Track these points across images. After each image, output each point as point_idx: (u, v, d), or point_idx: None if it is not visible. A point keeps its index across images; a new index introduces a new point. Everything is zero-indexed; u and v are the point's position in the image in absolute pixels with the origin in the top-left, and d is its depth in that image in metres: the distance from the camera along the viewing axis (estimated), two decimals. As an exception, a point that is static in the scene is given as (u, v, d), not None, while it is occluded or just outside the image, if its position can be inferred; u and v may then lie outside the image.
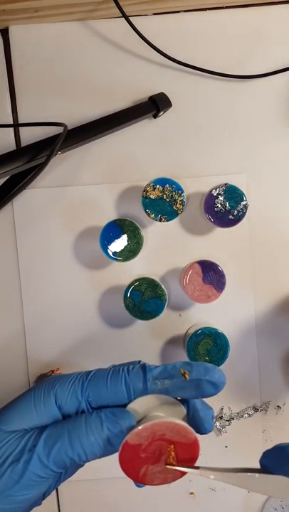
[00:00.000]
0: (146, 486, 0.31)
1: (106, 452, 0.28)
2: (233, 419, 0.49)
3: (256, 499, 0.50)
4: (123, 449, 0.27)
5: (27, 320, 0.48)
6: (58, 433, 0.28)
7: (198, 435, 0.28)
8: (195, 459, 0.28)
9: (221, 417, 0.49)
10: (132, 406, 0.29)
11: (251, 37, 0.48)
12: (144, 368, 0.30)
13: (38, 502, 0.30)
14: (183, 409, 0.30)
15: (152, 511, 0.50)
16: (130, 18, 0.45)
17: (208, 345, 0.44)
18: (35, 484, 0.28)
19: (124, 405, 0.29)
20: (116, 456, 0.33)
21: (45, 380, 0.31)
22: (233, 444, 0.49)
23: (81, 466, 0.32)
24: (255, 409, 0.49)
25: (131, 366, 0.30)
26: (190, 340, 0.44)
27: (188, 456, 0.28)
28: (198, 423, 0.29)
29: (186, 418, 0.30)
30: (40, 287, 0.48)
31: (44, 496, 0.31)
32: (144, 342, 0.48)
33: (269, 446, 0.50)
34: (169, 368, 0.29)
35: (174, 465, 0.27)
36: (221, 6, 0.48)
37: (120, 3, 0.43)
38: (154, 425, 0.27)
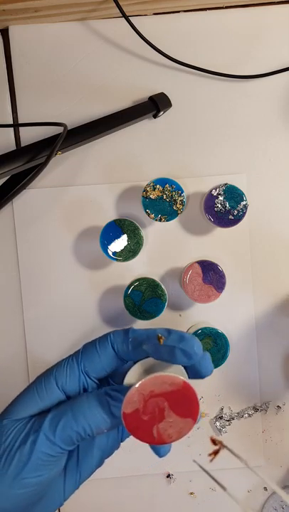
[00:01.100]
0: (166, 454, 0.32)
1: (111, 424, 0.29)
2: (233, 419, 0.49)
3: (256, 499, 0.50)
4: (125, 420, 0.28)
5: (27, 320, 0.48)
6: (61, 411, 0.29)
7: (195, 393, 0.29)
8: (196, 402, 0.28)
9: (221, 417, 0.49)
10: (127, 378, 0.30)
11: (251, 37, 0.48)
12: (127, 329, 0.31)
13: (59, 501, 0.31)
14: (179, 367, 0.30)
15: (152, 511, 0.50)
16: (130, 18, 0.45)
17: (208, 345, 0.44)
18: (46, 464, 0.28)
19: (120, 373, 0.31)
20: (115, 456, 0.33)
21: (43, 372, 0.32)
22: (233, 444, 0.49)
23: (100, 465, 0.32)
24: (255, 409, 0.49)
25: (117, 329, 0.31)
26: (190, 340, 0.44)
27: (188, 402, 0.28)
28: (197, 367, 0.30)
29: (185, 374, 0.31)
30: (40, 287, 0.48)
31: (65, 495, 0.31)
32: (144, 342, 0.48)
33: (269, 446, 0.50)
34: (149, 331, 0.30)
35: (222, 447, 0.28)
36: (221, 6, 0.48)
37: (120, 3, 0.43)
38: (138, 387, 0.28)
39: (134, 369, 0.30)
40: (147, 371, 0.30)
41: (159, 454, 0.32)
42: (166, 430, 0.28)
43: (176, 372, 0.29)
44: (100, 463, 0.32)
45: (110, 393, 0.29)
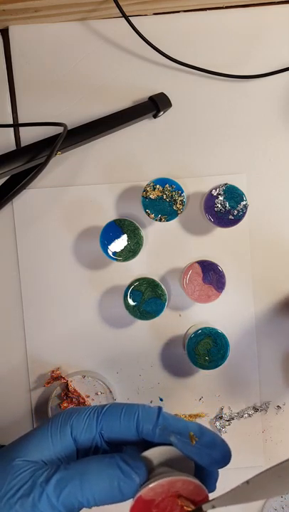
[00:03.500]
0: None
1: (115, 500, 0.28)
2: (233, 419, 0.49)
3: (256, 499, 0.50)
4: (137, 503, 0.27)
5: (27, 319, 0.48)
6: (70, 475, 0.28)
7: None
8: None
9: (221, 417, 0.49)
10: (145, 454, 0.29)
11: (251, 37, 0.48)
12: (159, 411, 0.30)
13: None
14: (192, 465, 0.30)
15: (152, 511, 0.50)
16: (130, 18, 0.45)
17: (208, 345, 0.44)
18: None
19: (134, 443, 0.30)
20: None
21: (63, 412, 0.31)
22: (233, 444, 0.48)
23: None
24: (255, 409, 0.49)
25: (147, 406, 0.30)
26: (190, 340, 0.44)
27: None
28: (201, 481, 0.29)
29: (193, 474, 0.30)
30: (40, 287, 0.48)
31: None
32: (144, 342, 0.48)
33: (269, 446, 0.50)
34: (181, 424, 0.29)
35: None
36: (221, 6, 0.48)
37: (120, 3, 0.43)
38: (170, 482, 0.27)
39: (160, 448, 0.29)
40: (170, 457, 0.29)
41: None
42: None
43: (188, 470, 0.28)
44: None
45: (122, 467, 0.28)
